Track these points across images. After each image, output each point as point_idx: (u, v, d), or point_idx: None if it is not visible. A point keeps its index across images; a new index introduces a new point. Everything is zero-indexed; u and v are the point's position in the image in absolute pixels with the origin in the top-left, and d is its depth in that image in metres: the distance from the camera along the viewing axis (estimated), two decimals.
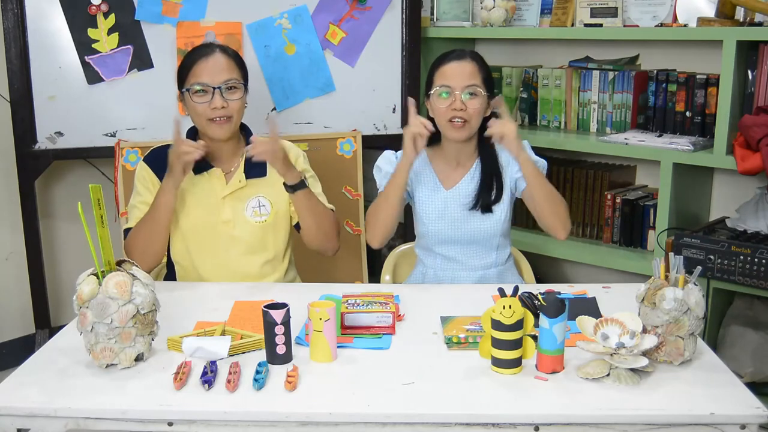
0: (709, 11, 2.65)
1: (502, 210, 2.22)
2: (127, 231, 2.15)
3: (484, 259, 2.25)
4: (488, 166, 2.22)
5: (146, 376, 1.54)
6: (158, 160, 2.16)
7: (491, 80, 2.20)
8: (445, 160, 2.25)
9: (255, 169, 2.15)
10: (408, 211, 2.46)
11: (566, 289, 2.00)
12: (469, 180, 2.23)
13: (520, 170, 2.16)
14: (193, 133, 2.19)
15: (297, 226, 2.19)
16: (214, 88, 2.06)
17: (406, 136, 2.09)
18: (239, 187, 2.14)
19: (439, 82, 2.15)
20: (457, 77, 2.13)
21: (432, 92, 2.16)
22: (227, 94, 2.08)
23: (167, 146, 2.20)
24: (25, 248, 2.88)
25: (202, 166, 2.13)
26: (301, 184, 2.06)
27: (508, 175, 2.23)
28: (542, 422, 1.39)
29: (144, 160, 2.18)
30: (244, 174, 2.14)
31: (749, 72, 2.53)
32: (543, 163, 2.25)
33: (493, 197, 2.21)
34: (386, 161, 2.27)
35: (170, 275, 2.22)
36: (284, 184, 2.07)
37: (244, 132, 2.21)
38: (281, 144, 2.04)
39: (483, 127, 2.20)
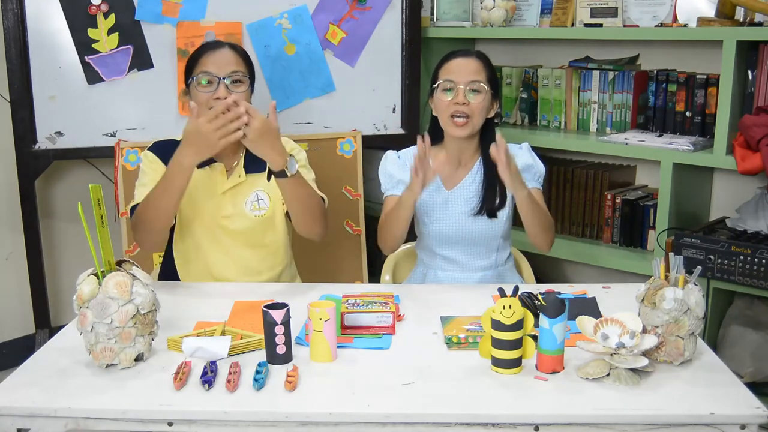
0: (709, 11, 2.65)
1: (503, 212, 2.22)
2: (134, 208, 2.11)
3: (485, 259, 2.25)
4: (491, 169, 2.20)
5: (146, 376, 1.54)
6: (161, 151, 2.15)
7: (496, 80, 2.20)
8: (447, 159, 2.24)
9: (255, 164, 2.14)
10: None
11: (566, 289, 2.00)
12: (471, 181, 2.22)
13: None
14: None
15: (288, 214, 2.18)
16: (219, 79, 2.07)
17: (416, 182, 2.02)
18: (239, 182, 2.14)
19: (444, 77, 2.15)
20: (461, 73, 2.13)
21: (435, 86, 2.16)
22: (232, 86, 2.08)
23: (168, 141, 2.19)
24: (25, 248, 2.88)
25: (204, 160, 2.13)
26: (282, 173, 1.99)
27: None
28: (542, 422, 1.39)
29: (149, 149, 2.17)
30: (243, 169, 2.15)
31: (749, 72, 2.53)
32: (541, 171, 2.24)
33: (497, 202, 2.20)
34: (391, 162, 2.26)
35: (171, 269, 2.21)
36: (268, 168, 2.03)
37: None
38: (274, 129, 1.96)
39: (485, 127, 2.20)
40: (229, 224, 2.14)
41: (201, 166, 2.12)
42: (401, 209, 2.10)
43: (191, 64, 2.12)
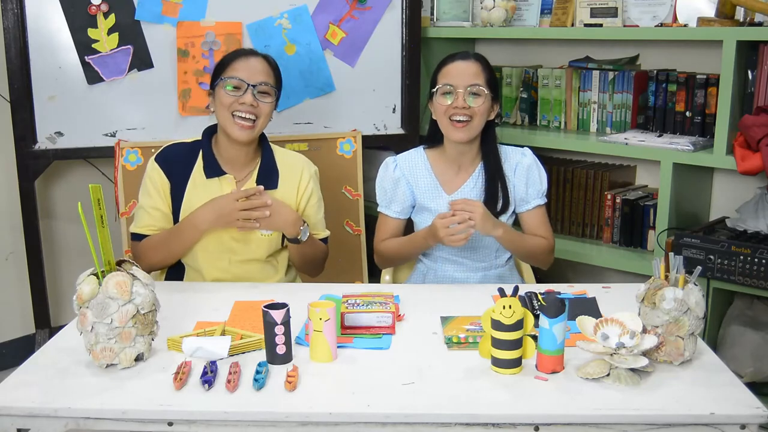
0: (709, 11, 2.65)
1: (504, 216, 2.21)
2: (135, 235, 2.14)
3: (485, 261, 2.25)
4: (492, 174, 2.20)
5: (146, 376, 1.54)
6: (169, 160, 2.14)
7: (495, 82, 2.19)
8: (447, 163, 2.24)
9: (268, 180, 2.13)
10: None
11: (566, 289, 2.00)
12: (472, 185, 2.22)
13: (527, 188, 2.21)
14: (209, 134, 2.17)
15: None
16: (248, 85, 2.06)
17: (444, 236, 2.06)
18: None
19: (443, 81, 2.14)
20: (460, 76, 2.12)
21: (435, 91, 2.15)
22: (259, 96, 2.08)
23: (179, 144, 2.18)
24: (25, 248, 2.88)
25: (215, 170, 2.12)
26: (296, 240, 2.10)
27: (511, 182, 2.22)
28: (542, 422, 1.39)
29: (155, 159, 2.15)
30: (255, 184, 2.12)
31: (749, 72, 2.53)
32: (545, 185, 2.24)
33: (499, 208, 2.19)
34: (387, 176, 2.25)
35: (178, 275, 2.21)
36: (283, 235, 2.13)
37: (261, 141, 2.19)
38: (282, 205, 2.08)
39: (486, 130, 2.19)
40: (235, 239, 2.13)
41: (210, 176, 2.11)
42: (416, 249, 2.21)
43: (222, 65, 2.12)
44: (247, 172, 2.15)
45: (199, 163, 2.13)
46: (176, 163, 2.14)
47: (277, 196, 2.13)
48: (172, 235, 2.10)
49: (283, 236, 2.14)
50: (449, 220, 2.02)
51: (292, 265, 2.29)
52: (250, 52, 2.14)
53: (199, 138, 2.17)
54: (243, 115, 2.06)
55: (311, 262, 2.24)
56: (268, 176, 2.14)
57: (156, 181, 2.13)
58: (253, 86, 2.07)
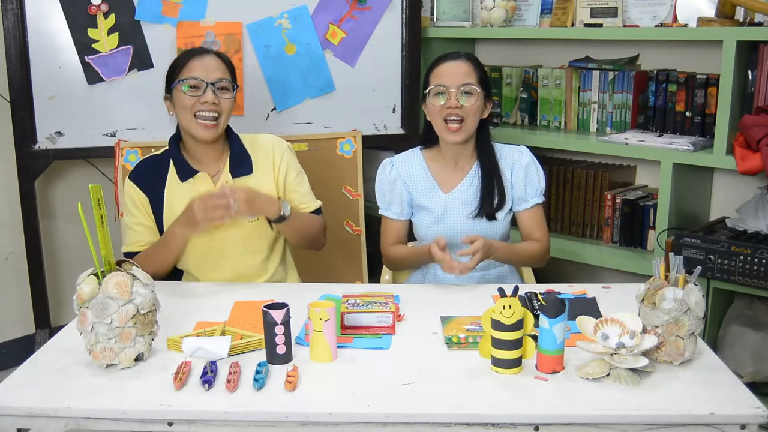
0: (709, 11, 2.65)
1: (502, 213, 2.21)
2: (127, 254, 2.14)
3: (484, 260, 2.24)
4: (488, 172, 2.20)
5: (146, 376, 1.54)
6: (142, 175, 2.17)
7: (487, 80, 2.19)
8: (443, 162, 2.24)
9: (240, 168, 2.15)
10: None
11: (566, 289, 1.99)
12: (468, 184, 2.22)
13: (526, 187, 2.22)
14: (176, 141, 2.18)
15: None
16: (207, 84, 2.07)
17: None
18: None
19: (435, 82, 2.14)
20: (452, 76, 2.12)
21: (427, 92, 2.16)
22: (219, 93, 2.08)
23: (149, 158, 2.21)
24: (25, 248, 2.88)
25: (187, 172, 2.13)
26: (281, 218, 2.07)
27: (509, 180, 2.22)
28: (542, 422, 1.39)
29: (129, 177, 2.17)
30: (230, 174, 2.14)
31: (749, 72, 2.53)
32: (543, 183, 2.24)
33: (495, 204, 2.19)
34: (384, 178, 2.26)
35: (174, 277, 2.21)
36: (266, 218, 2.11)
37: (228, 134, 2.20)
38: (256, 192, 2.04)
39: (481, 128, 2.20)
40: (223, 233, 2.12)
41: (185, 178, 2.13)
42: (422, 263, 2.22)
43: (175, 67, 2.12)
44: (219, 166, 2.17)
45: (172, 169, 2.15)
46: (149, 176, 2.16)
47: (255, 180, 2.14)
48: (158, 248, 2.12)
49: (270, 223, 2.13)
50: (444, 254, 2.00)
51: (291, 246, 2.27)
52: (203, 51, 2.14)
53: (167, 147, 2.19)
54: (206, 114, 2.07)
55: (307, 237, 2.21)
56: (240, 164, 2.15)
57: (134, 199, 2.15)
58: (212, 84, 2.07)
